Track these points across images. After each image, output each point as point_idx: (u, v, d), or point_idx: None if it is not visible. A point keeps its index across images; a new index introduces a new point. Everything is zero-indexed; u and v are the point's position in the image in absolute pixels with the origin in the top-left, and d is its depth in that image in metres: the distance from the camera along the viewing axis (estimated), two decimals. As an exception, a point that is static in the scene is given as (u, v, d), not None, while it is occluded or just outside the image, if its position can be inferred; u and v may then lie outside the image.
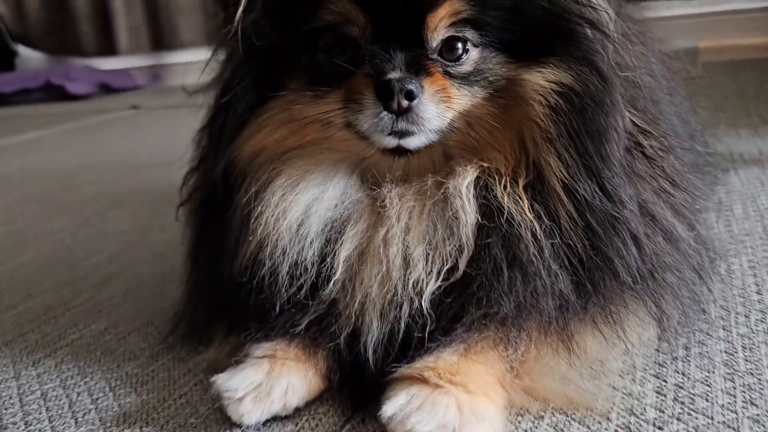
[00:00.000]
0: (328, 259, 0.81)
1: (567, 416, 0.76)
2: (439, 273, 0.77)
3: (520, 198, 0.78)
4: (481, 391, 0.73)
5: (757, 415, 0.74)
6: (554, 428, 0.74)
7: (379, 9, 0.78)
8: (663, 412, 0.75)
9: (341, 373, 0.81)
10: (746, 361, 0.84)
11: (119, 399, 0.89)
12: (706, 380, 0.80)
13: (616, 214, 0.77)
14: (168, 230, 1.20)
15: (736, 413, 0.74)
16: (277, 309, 0.81)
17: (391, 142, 0.80)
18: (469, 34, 0.80)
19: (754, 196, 1.40)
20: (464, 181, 0.79)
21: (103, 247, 1.50)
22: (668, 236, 0.82)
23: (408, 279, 0.77)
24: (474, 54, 0.80)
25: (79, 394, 0.91)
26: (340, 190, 0.83)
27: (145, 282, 1.27)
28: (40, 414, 0.88)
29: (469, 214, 0.78)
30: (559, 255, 0.77)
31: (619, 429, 0.73)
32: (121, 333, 1.07)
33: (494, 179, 0.79)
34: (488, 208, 0.78)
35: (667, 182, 0.84)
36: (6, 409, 0.89)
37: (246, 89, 0.85)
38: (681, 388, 0.79)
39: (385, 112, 0.77)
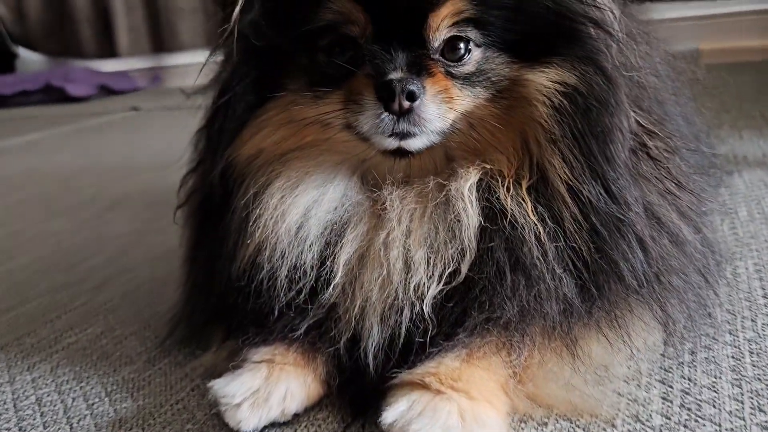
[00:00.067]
0: (328, 263, 0.79)
1: (571, 423, 0.75)
2: (440, 277, 0.76)
3: (524, 200, 0.77)
4: (484, 397, 0.72)
5: (766, 422, 0.72)
6: (558, 435, 0.73)
7: (380, 8, 0.77)
8: (669, 419, 0.74)
9: (341, 379, 0.80)
10: (754, 366, 0.82)
11: (115, 404, 0.87)
12: (713, 386, 0.79)
13: (622, 217, 0.76)
14: (167, 232, 1.19)
15: (744, 420, 0.73)
16: (276, 313, 0.81)
17: (392, 143, 0.78)
18: (472, 33, 0.79)
19: (758, 199, 1.39)
20: (466, 183, 0.78)
21: (101, 249, 1.49)
22: (674, 239, 0.81)
23: (409, 283, 0.76)
24: (476, 54, 0.79)
25: (74, 399, 0.90)
26: (340, 192, 0.82)
27: (142, 285, 1.26)
28: (34, 420, 0.86)
29: (471, 216, 0.77)
30: (563, 258, 0.76)
31: (624, 436, 0.72)
32: (118, 337, 1.06)
33: (497, 181, 0.78)
34: (491, 211, 0.77)
35: (673, 184, 0.83)
36: (0, 414, 0.88)
37: (245, 90, 0.84)
38: (687, 394, 0.78)
39: (386, 113, 0.76)
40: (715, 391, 0.78)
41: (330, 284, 0.79)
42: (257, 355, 0.81)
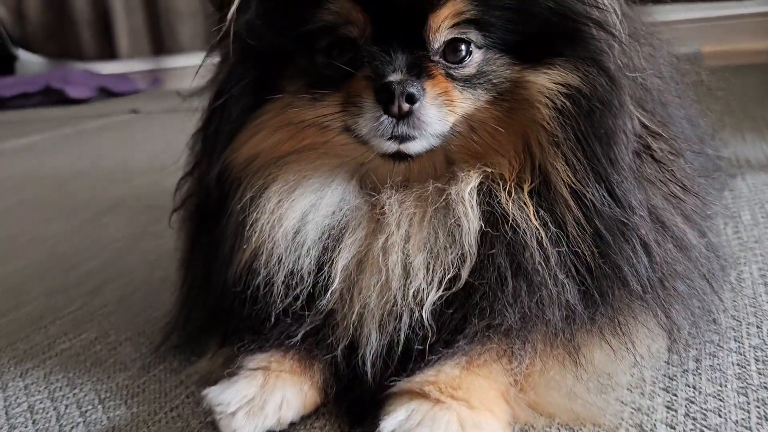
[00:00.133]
0: (326, 268, 0.78)
1: (574, 432, 0.73)
2: (440, 282, 0.75)
3: (525, 204, 0.76)
4: (484, 406, 0.71)
5: (773, 431, 0.71)
6: (561, 445, 0.72)
7: (380, 9, 0.76)
8: (674, 428, 0.73)
9: (338, 387, 0.79)
10: (759, 374, 0.81)
11: (108, 412, 0.86)
12: (718, 394, 0.78)
13: (626, 220, 0.74)
14: (163, 236, 1.18)
15: (751, 430, 0.72)
16: (272, 319, 0.80)
17: (391, 146, 0.77)
18: (473, 35, 0.78)
19: (762, 202, 1.37)
20: (467, 187, 0.77)
21: (97, 253, 1.48)
22: (679, 243, 0.80)
23: (408, 289, 0.75)
24: (477, 56, 0.78)
25: (67, 406, 0.88)
26: (338, 196, 0.81)
27: (138, 289, 1.24)
28: (26, 427, 0.85)
29: (471, 221, 0.75)
30: (566, 263, 0.75)
31: (628, 446, 0.71)
32: (113, 342, 1.04)
33: (498, 185, 0.77)
34: (492, 215, 0.76)
35: (678, 187, 0.82)
36: (-8, 422, 0.87)
37: (241, 92, 0.83)
38: (692, 402, 0.77)
39: (385, 116, 0.74)
40: (720, 400, 0.77)
41: (328, 290, 0.78)
42: (253, 362, 0.79)
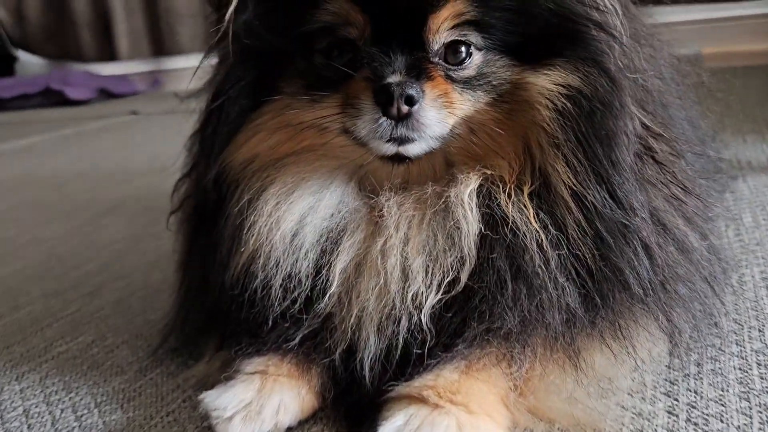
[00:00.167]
0: (324, 271, 0.78)
1: (574, 437, 0.72)
2: (439, 286, 0.74)
3: (525, 206, 0.75)
4: (483, 410, 0.70)
5: (776, 437, 0.70)
6: (561, 450, 0.71)
7: (379, 9, 0.76)
8: (675, 433, 0.72)
9: (336, 391, 0.78)
10: (762, 378, 0.80)
11: (104, 416, 0.85)
12: (720, 399, 0.77)
13: (627, 223, 0.74)
14: (162, 238, 1.17)
15: (753, 435, 0.71)
16: (270, 323, 0.79)
17: (390, 149, 0.77)
18: (473, 37, 0.77)
19: (763, 205, 1.37)
20: (466, 190, 0.76)
21: (95, 255, 1.47)
22: (680, 246, 0.79)
23: (407, 292, 0.74)
24: (477, 58, 0.78)
25: (62, 410, 0.87)
26: (336, 198, 0.80)
27: (136, 292, 1.23)
28: (21, 432, 0.84)
29: (471, 223, 0.75)
30: (566, 266, 0.74)
31: (629, 452, 0.70)
32: (110, 346, 1.04)
33: (498, 187, 0.76)
34: (491, 218, 0.75)
35: (679, 189, 0.81)
36: (-13, 426, 0.86)
37: (239, 93, 0.82)
38: (694, 407, 0.76)
39: (384, 118, 0.74)
40: (722, 405, 0.76)
41: (326, 293, 0.77)
42: (250, 366, 0.79)
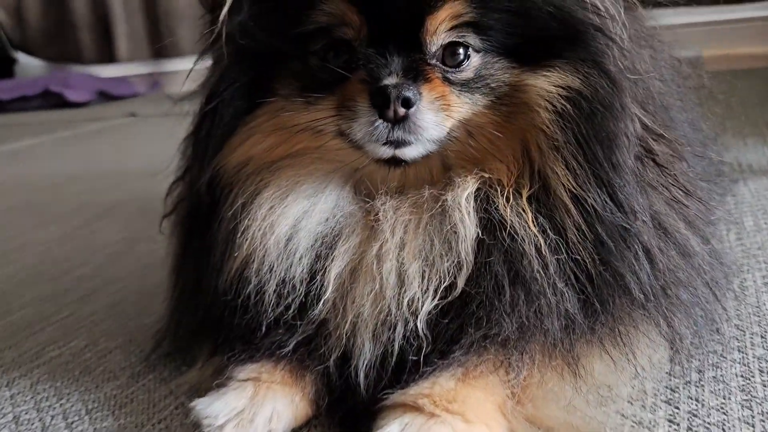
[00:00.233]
0: (318, 277, 0.76)
1: (573, 446, 0.71)
2: (435, 291, 0.73)
3: (524, 210, 0.74)
4: (480, 419, 0.69)
5: (779, 446, 0.69)
6: (559, 460, 0.69)
7: (375, 10, 0.75)
8: (677, 442, 0.70)
9: (330, 398, 0.77)
10: (764, 386, 0.79)
11: (95, 423, 0.84)
12: (722, 407, 0.76)
13: (628, 226, 0.73)
14: (158, 241, 1.16)
15: (756, 444, 0.69)
16: (263, 329, 0.78)
17: (387, 152, 0.76)
18: (471, 39, 0.76)
19: (765, 208, 1.36)
20: (464, 193, 0.75)
21: (89, 259, 1.46)
22: (682, 250, 0.78)
23: (403, 298, 0.73)
24: (475, 60, 0.77)
25: (53, 417, 0.86)
26: (331, 202, 0.79)
27: (130, 296, 1.22)
28: (11, 439, 0.83)
29: (468, 228, 0.74)
30: (565, 271, 0.73)
31: (629, 461, 0.68)
32: (102, 351, 1.02)
33: (496, 191, 0.75)
34: (489, 222, 0.74)
35: (680, 192, 0.80)
36: (-24, 433, 0.85)
37: (233, 95, 0.81)
38: (695, 416, 0.75)
39: (380, 121, 0.73)
40: (724, 413, 0.74)
41: (320, 299, 0.76)
42: (243, 372, 0.77)
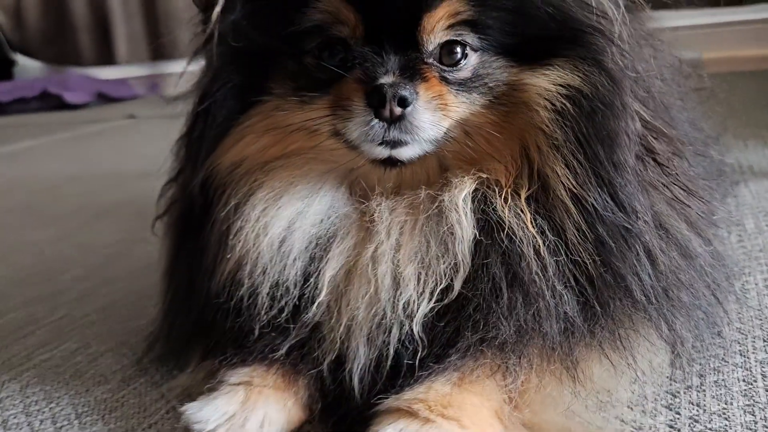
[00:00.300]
0: (312, 279, 0.75)
1: (571, 453, 0.69)
2: (432, 294, 0.72)
3: (522, 211, 0.73)
4: (476, 425, 0.67)
5: (782, 453, 0.67)
6: (558, 466, 0.68)
7: (371, 8, 0.74)
8: (678, 449, 0.69)
9: (324, 403, 0.76)
10: (767, 391, 0.77)
11: (84, 427, 0.82)
12: (724, 413, 0.74)
13: (630, 226, 0.71)
14: (153, 243, 1.15)
15: (759, 451, 0.68)
16: (256, 332, 0.76)
17: (382, 152, 0.75)
18: (469, 37, 0.75)
19: (766, 210, 1.35)
20: (461, 194, 0.74)
21: (83, 260, 1.45)
22: (683, 251, 0.77)
23: (398, 300, 0.72)
24: (473, 59, 0.76)
25: (42, 421, 0.85)
26: (326, 203, 0.78)
27: (123, 298, 1.21)
28: (-1, 444, 0.81)
29: (465, 229, 0.72)
30: (565, 273, 0.72)
31: (629, 468, 0.67)
32: (93, 354, 1.01)
33: (494, 191, 0.74)
34: (487, 223, 0.73)
35: (682, 191, 0.79)
36: (-37, 438, 0.83)
37: (226, 95, 0.80)
38: (696, 421, 0.73)
39: (375, 120, 0.72)
40: (726, 419, 0.73)
41: (314, 302, 0.75)
42: (235, 376, 0.76)
